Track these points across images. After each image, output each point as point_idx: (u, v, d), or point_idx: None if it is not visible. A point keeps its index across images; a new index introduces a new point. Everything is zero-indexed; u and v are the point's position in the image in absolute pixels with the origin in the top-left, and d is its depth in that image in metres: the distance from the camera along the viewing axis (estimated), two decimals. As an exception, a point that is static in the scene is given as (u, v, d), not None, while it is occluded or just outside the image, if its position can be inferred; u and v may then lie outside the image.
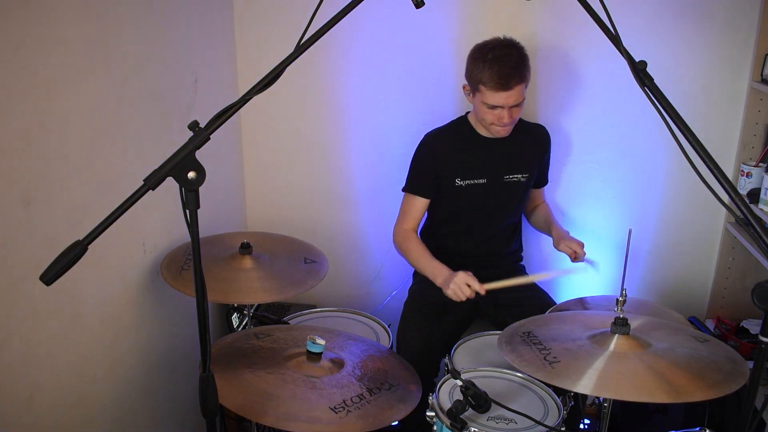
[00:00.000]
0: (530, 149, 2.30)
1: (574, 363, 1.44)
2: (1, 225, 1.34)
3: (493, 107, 2.06)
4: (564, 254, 2.16)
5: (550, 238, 2.28)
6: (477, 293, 1.99)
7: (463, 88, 2.15)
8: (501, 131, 2.15)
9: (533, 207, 2.47)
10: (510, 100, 2.04)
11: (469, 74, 2.09)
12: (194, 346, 1.36)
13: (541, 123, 2.38)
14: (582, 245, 2.13)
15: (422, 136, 2.26)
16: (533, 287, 2.35)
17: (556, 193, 2.57)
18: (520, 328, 1.65)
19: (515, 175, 2.26)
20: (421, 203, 2.25)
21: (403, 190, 2.27)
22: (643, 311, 2.01)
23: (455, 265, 2.24)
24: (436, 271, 2.11)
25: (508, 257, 2.40)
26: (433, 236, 2.37)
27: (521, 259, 2.45)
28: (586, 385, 1.37)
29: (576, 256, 2.11)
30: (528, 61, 2.07)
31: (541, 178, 2.41)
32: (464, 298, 1.98)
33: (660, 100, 1.21)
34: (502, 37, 2.09)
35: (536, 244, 2.60)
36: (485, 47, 2.07)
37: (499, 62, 2.00)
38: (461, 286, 1.98)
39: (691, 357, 1.47)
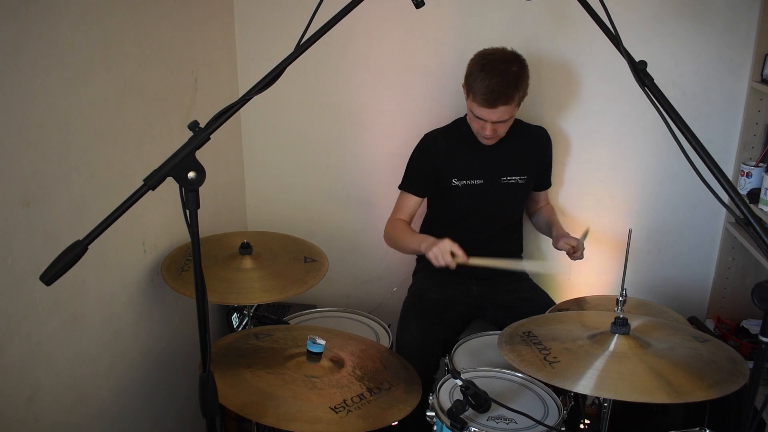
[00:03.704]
0: (529, 151, 2.30)
1: (574, 363, 1.44)
2: (1, 225, 1.34)
3: (478, 118, 2.09)
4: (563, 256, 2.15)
5: (550, 239, 2.28)
6: (460, 266, 1.98)
7: (462, 86, 2.15)
8: (485, 141, 2.17)
9: (536, 209, 2.46)
10: (493, 117, 2.05)
11: (466, 78, 2.11)
12: (194, 346, 1.36)
13: (540, 124, 2.38)
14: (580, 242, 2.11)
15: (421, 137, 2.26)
16: (533, 287, 2.35)
17: (556, 194, 2.56)
18: (520, 328, 1.65)
19: (513, 177, 2.25)
20: (413, 201, 2.27)
21: (399, 187, 2.30)
22: (643, 311, 2.01)
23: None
24: (421, 239, 2.11)
25: (507, 258, 2.39)
26: (432, 236, 2.36)
27: (521, 260, 2.45)
28: (586, 385, 1.37)
29: (574, 251, 2.11)
30: (523, 80, 2.06)
31: (542, 181, 2.41)
32: (444, 264, 1.97)
33: (660, 100, 1.21)
34: (509, 50, 2.09)
35: (536, 245, 2.61)
36: (485, 56, 2.07)
37: (491, 79, 2.00)
38: (444, 252, 1.97)
39: (691, 357, 1.47)
